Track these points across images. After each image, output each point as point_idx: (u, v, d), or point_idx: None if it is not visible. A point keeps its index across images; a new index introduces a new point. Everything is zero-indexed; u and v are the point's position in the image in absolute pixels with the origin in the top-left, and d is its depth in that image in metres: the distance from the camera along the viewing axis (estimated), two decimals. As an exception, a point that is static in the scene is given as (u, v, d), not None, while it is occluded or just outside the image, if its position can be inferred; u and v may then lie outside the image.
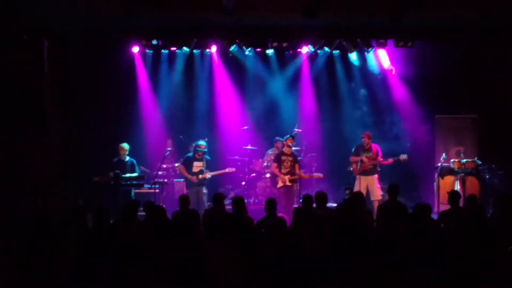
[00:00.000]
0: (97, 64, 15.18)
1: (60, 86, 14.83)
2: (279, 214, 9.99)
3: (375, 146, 14.47)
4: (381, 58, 16.25)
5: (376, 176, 14.37)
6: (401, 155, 14.39)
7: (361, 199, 10.70)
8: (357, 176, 14.33)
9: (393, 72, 16.27)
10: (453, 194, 10.23)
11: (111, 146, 14.50)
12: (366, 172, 14.29)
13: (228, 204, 11.73)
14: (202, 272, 7.36)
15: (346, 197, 12.55)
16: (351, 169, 14.52)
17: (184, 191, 14.10)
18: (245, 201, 10.41)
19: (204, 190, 14.15)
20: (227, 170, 14.59)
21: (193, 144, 14.41)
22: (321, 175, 14.57)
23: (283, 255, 7.35)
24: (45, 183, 13.53)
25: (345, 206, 9.75)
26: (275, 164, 13.94)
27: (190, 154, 14.32)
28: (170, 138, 15.99)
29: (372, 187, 14.18)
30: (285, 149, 13.93)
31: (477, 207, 9.56)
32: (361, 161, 14.27)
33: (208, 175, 14.09)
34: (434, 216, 10.10)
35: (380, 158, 14.36)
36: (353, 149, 14.62)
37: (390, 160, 14.38)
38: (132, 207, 9.60)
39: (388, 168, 14.95)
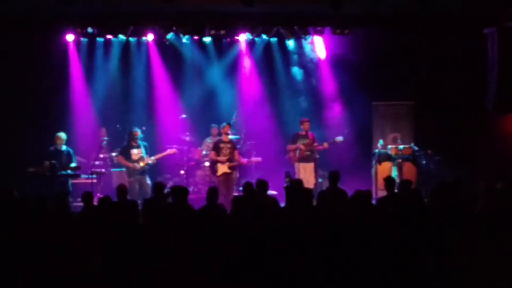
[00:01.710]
0: (31, 52, 14.84)
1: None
2: (219, 202, 9.94)
3: (311, 134, 14.60)
4: (317, 47, 16.30)
5: (312, 164, 14.46)
6: (336, 137, 14.56)
7: (301, 186, 10.72)
8: (296, 164, 14.40)
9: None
10: (388, 180, 10.34)
11: (44, 136, 14.23)
12: (304, 159, 14.38)
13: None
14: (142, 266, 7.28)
15: (286, 185, 12.57)
16: (289, 157, 14.60)
17: (125, 180, 13.85)
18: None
19: (148, 181, 13.94)
20: (168, 151, 14.47)
21: (127, 133, 14.27)
22: (259, 159, 14.65)
23: (225, 244, 7.28)
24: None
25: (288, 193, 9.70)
26: (213, 152, 13.91)
27: (125, 143, 14.19)
28: (103, 126, 15.71)
29: (308, 174, 14.26)
30: (223, 137, 13.92)
31: (412, 192, 9.69)
32: (299, 148, 14.34)
33: (151, 160, 13.91)
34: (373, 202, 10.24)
35: (316, 144, 14.49)
36: (290, 137, 14.68)
37: (326, 145, 14.55)
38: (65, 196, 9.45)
39: (327, 155, 15.12)
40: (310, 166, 14.45)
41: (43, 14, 13.89)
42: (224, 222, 8.40)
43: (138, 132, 14.00)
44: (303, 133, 14.51)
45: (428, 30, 15.03)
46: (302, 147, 14.36)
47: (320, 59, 16.45)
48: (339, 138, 14.57)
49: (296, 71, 16.70)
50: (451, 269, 6.79)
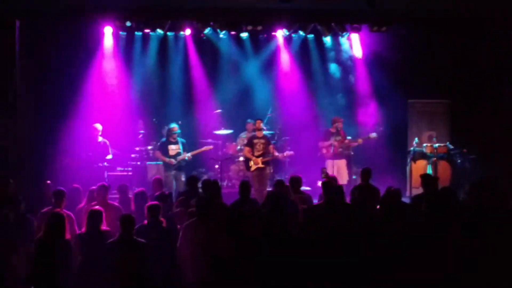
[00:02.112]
0: (70, 45, 15.00)
1: (32, 66, 14.65)
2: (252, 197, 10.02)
3: (342, 131, 14.56)
4: (353, 46, 16.26)
5: (345, 161, 14.44)
6: (371, 133, 14.52)
7: (335, 182, 10.74)
8: (329, 161, 14.39)
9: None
10: (425, 178, 10.28)
11: (82, 127, 14.40)
12: (336, 156, 14.36)
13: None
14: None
15: (323, 180, 12.54)
16: (321, 153, 14.57)
17: (160, 174, 13.90)
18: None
19: (183, 178, 13.97)
20: (204, 148, 14.53)
21: (166, 128, 14.35)
22: (291, 152, 14.65)
23: (257, 238, 7.32)
24: (15, 164, 13.39)
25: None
26: (247, 148, 13.97)
27: (164, 139, 14.24)
28: (141, 119, 15.86)
29: (341, 171, 14.24)
30: (257, 132, 13.96)
31: (447, 190, 9.61)
32: (332, 145, 14.33)
33: (188, 155, 13.99)
34: (406, 200, 10.20)
35: (349, 140, 14.47)
36: (322, 134, 14.73)
37: (360, 141, 14.51)
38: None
39: (362, 153, 15.07)
40: (342, 162, 14.42)
41: (83, 7, 14.03)
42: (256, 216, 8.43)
43: (177, 128, 14.05)
44: (334, 130, 14.49)
45: (465, 29, 14.88)
46: (335, 143, 14.34)
47: (356, 55, 16.37)
48: (373, 135, 14.53)
49: (333, 68, 16.67)
50: (485, 267, 6.76)
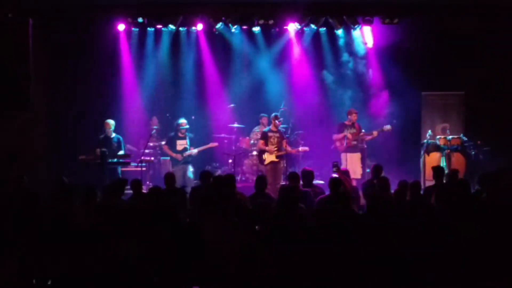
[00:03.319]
0: (82, 42, 15.11)
1: (45, 63, 14.75)
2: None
3: (357, 124, 14.55)
4: (365, 35, 16.22)
5: (359, 154, 14.42)
6: (385, 126, 14.49)
7: (348, 176, 10.76)
8: (342, 154, 14.39)
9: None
10: (437, 169, 10.27)
11: (96, 123, 14.50)
12: (350, 149, 14.35)
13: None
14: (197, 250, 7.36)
15: (333, 175, 12.56)
16: (335, 146, 14.57)
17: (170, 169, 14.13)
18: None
19: (191, 169, 14.19)
20: (210, 144, 14.64)
21: (174, 123, 14.47)
22: (307, 148, 14.64)
23: (273, 233, 7.34)
24: (29, 160, 13.49)
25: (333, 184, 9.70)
26: (262, 141, 13.98)
27: (172, 133, 14.42)
28: (155, 116, 15.94)
29: (355, 165, 14.20)
30: (272, 127, 13.96)
31: (461, 182, 9.58)
32: (346, 137, 14.31)
33: (194, 151, 14.11)
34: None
35: (363, 133, 14.46)
36: (336, 127, 14.70)
37: (375, 133, 14.50)
38: (119, 185, 9.63)
39: (375, 146, 15.06)
40: (356, 156, 14.41)
41: (95, 4, 14.10)
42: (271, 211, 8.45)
43: (185, 122, 14.18)
44: (350, 123, 14.48)
45: (478, 19, 14.79)
46: (349, 136, 14.32)
47: (369, 48, 16.34)
48: (387, 127, 14.49)
49: (345, 61, 16.65)
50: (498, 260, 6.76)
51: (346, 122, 14.53)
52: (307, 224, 7.58)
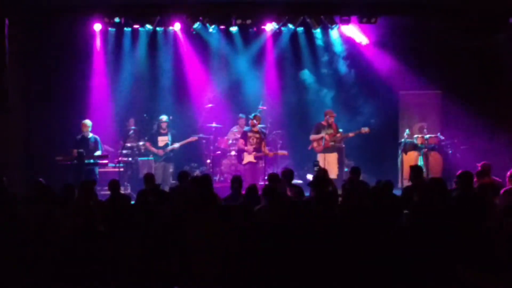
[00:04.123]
0: (59, 42, 14.99)
1: (21, 64, 14.62)
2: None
3: (334, 124, 14.56)
4: (353, 33, 16.26)
5: (336, 154, 14.43)
6: (362, 128, 14.51)
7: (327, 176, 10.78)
8: (320, 154, 14.39)
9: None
10: (414, 169, 10.31)
11: (73, 124, 14.40)
12: (327, 150, 14.35)
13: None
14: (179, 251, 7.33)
15: (315, 174, 12.55)
16: (312, 147, 14.56)
17: (151, 168, 14.32)
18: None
19: (171, 169, 14.37)
20: (190, 138, 14.80)
21: (156, 120, 14.57)
22: (285, 152, 14.70)
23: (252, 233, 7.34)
24: (5, 161, 13.36)
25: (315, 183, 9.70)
26: (241, 140, 14.01)
27: (154, 130, 14.73)
28: (132, 117, 15.88)
29: (331, 165, 14.20)
30: (252, 127, 13.98)
31: (436, 181, 9.60)
32: (324, 138, 14.31)
33: (176, 145, 14.32)
34: (398, 192, 10.23)
35: (340, 134, 14.48)
36: (313, 128, 14.69)
37: (351, 134, 14.52)
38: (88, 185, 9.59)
39: (353, 144, 15.13)
40: (333, 156, 14.42)
41: (71, 4, 13.99)
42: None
43: (165, 118, 14.51)
44: (326, 123, 14.49)
45: (455, 19, 14.88)
46: (327, 137, 14.33)
47: (347, 48, 16.42)
48: (365, 129, 14.50)
49: (323, 60, 16.70)
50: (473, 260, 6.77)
51: (323, 123, 14.53)
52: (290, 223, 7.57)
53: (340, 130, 14.63)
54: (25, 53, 14.70)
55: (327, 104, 15.85)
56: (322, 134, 14.36)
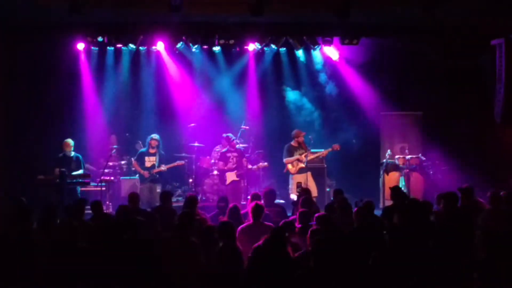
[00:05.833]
0: (42, 60, 15.00)
1: (3, 82, 14.58)
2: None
3: (303, 144, 14.37)
4: (329, 52, 16.35)
5: (309, 173, 14.33)
6: (334, 145, 14.39)
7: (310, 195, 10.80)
8: (293, 176, 14.26)
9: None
10: (395, 190, 10.36)
11: (54, 143, 14.32)
12: (302, 170, 14.26)
13: (176, 202, 11.77)
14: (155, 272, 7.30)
15: (298, 195, 12.52)
16: (287, 169, 14.41)
17: (135, 188, 14.04)
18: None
19: (158, 189, 14.11)
20: (177, 162, 14.59)
21: (139, 143, 14.45)
22: (266, 164, 14.70)
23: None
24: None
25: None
26: (221, 163, 14.08)
27: (144, 149, 14.36)
28: (113, 134, 15.85)
29: (310, 184, 14.04)
30: (230, 147, 14.05)
31: (418, 202, 9.65)
32: (298, 160, 14.22)
33: (163, 168, 14.03)
34: (379, 212, 10.26)
35: (310, 153, 14.30)
36: (284, 151, 14.41)
37: (324, 152, 14.43)
38: (79, 205, 9.53)
39: (335, 164, 15.19)
40: (308, 175, 14.18)
41: (54, 23, 13.96)
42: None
43: (156, 136, 14.18)
44: (296, 144, 14.33)
45: (436, 41, 15.04)
46: (301, 158, 14.19)
47: (329, 69, 16.51)
48: (336, 146, 14.33)
49: (305, 81, 16.78)
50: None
51: (293, 144, 14.35)
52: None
53: (313, 150, 14.47)
54: (7, 71, 14.66)
55: (310, 124, 15.92)
56: (297, 156, 14.22)
